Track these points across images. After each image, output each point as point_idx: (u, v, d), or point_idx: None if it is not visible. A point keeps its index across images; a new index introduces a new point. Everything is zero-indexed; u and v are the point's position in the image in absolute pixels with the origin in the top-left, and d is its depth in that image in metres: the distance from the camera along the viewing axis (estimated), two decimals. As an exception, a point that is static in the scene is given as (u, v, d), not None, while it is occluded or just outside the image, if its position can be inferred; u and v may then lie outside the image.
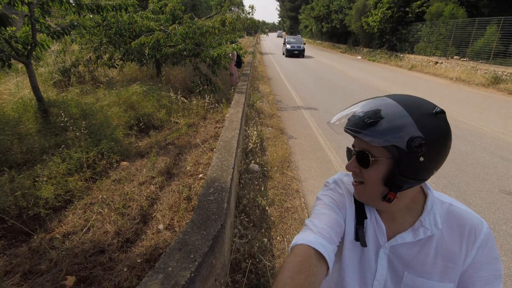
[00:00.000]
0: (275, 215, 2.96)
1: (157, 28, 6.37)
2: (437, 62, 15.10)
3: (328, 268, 0.67)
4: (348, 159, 0.79)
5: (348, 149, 0.79)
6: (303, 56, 20.67)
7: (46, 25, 3.97)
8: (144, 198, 2.94)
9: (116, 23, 5.93)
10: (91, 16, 4.97)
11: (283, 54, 22.00)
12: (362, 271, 0.78)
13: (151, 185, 3.20)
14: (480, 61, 13.22)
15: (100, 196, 2.91)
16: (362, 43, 24.27)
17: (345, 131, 0.73)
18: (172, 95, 5.73)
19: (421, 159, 0.66)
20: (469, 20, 14.28)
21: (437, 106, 0.69)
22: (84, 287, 1.96)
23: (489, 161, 4.36)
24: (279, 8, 69.17)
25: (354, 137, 0.74)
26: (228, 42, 7.39)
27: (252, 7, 7.61)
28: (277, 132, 5.30)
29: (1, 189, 2.70)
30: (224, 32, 7.41)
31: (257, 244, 2.48)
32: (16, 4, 3.60)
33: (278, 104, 7.54)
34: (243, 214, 2.84)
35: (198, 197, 2.37)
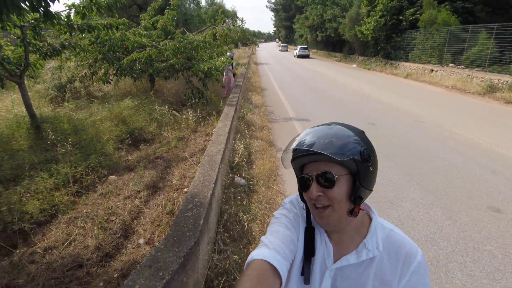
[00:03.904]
0: (257, 231, 3.01)
1: (149, 44, 6.56)
2: (432, 70, 15.26)
3: (281, 283, 0.70)
4: (304, 188, 0.80)
5: (303, 178, 0.80)
6: (308, 57, 32.04)
7: (38, 46, 4.12)
8: (128, 212, 3.02)
9: (109, 40, 6.11)
10: (83, 35, 5.14)
11: (294, 56, 32.91)
12: None
13: (136, 199, 3.28)
14: (476, 68, 13.21)
15: (85, 210, 3.00)
16: (357, 52, 24.57)
17: (303, 154, 0.77)
18: (163, 108, 5.85)
19: (371, 168, 0.76)
20: (462, 27, 14.48)
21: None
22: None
23: (480, 174, 4.29)
24: (273, 18, 70.28)
25: (305, 163, 0.80)
26: (219, 56, 7.58)
27: (242, 20, 7.81)
28: (266, 145, 5.39)
29: (-12, 205, 2.80)
30: (214, 46, 7.60)
31: (234, 260, 2.54)
32: (9, 27, 3.75)
33: (270, 116, 7.65)
34: (224, 229, 2.91)
35: (177, 213, 2.44)
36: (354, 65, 22.26)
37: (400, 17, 18.40)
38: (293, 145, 0.78)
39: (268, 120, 7.16)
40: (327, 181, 0.75)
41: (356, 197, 0.76)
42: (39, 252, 2.44)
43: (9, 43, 5.12)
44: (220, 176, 3.41)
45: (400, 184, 4.06)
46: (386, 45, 20.02)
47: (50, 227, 2.80)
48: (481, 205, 3.54)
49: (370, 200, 3.65)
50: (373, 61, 20.62)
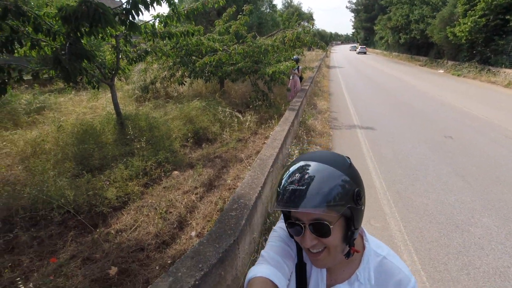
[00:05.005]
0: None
1: (220, 49, 7.00)
2: (544, 79, 12.59)
3: None
4: (295, 233, 0.75)
5: (293, 224, 0.74)
6: (365, 53, 43.95)
7: (127, 53, 4.81)
8: (184, 206, 3.31)
9: (186, 45, 6.74)
10: (164, 41, 5.79)
11: (356, 53, 45.08)
12: None
13: (193, 195, 3.57)
14: None
15: (150, 201, 3.39)
16: (446, 56, 21.78)
17: (292, 210, 0.70)
18: (227, 110, 6.19)
19: (363, 207, 0.73)
20: None
21: (344, 156, 0.76)
22: (122, 278, 2.35)
23: None
24: (353, 20, 67.31)
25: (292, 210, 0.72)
26: (286, 59, 7.63)
27: (312, 24, 7.71)
28: (324, 151, 5.23)
29: (80, 189, 3.39)
30: (282, 50, 7.68)
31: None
32: (107, 37, 4.48)
33: (333, 122, 7.38)
34: (269, 231, 2.95)
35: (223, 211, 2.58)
36: (441, 71, 19.80)
37: (507, 17, 15.58)
38: (283, 204, 0.69)
39: (330, 126, 6.92)
40: (322, 230, 0.70)
41: (351, 240, 0.74)
42: (112, 233, 2.87)
43: (111, 49, 6.09)
44: (270, 180, 3.45)
45: (472, 207, 3.51)
46: (484, 48, 17.21)
47: (122, 212, 3.25)
48: None
49: (432, 220, 3.28)
50: (465, 67, 17.97)
